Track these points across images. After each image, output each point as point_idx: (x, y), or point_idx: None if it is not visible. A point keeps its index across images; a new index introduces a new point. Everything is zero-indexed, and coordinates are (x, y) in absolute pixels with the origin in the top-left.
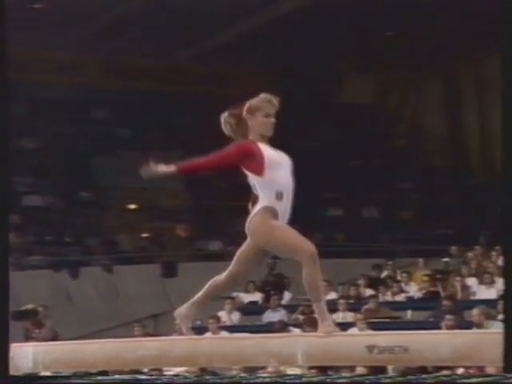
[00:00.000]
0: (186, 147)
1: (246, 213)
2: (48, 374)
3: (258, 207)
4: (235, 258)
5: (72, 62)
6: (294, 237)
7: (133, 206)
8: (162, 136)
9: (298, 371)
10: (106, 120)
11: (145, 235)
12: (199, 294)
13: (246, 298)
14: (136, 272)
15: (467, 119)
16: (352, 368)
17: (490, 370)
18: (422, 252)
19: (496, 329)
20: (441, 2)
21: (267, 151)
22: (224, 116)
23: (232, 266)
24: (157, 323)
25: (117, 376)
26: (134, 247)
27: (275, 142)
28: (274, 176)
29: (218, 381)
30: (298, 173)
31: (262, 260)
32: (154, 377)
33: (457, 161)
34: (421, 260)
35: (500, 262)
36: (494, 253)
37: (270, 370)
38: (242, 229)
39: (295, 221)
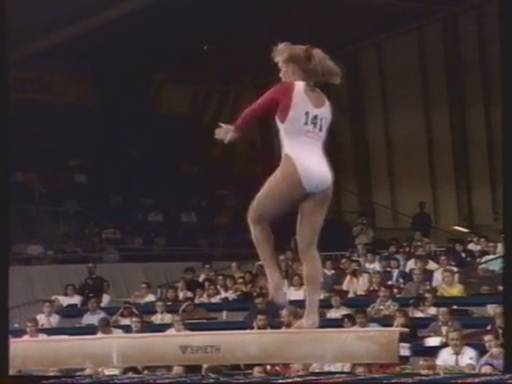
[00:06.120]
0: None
1: (67, 218)
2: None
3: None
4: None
5: None
6: None
7: None
8: None
9: (115, 371)
10: None
11: None
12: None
13: (65, 300)
14: None
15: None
16: (169, 368)
17: (296, 366)
18: (238, 255)
19: None
20: (260, 15)
21: None
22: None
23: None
24: None
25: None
26: None
27: (97, 150)
28: None
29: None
30: (119, 180)
31: None
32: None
33: (269, 169)
34: (234, 264)
35: None
36: None
37: (87, 371)
38: (61, 233)
39: (117, 226)
